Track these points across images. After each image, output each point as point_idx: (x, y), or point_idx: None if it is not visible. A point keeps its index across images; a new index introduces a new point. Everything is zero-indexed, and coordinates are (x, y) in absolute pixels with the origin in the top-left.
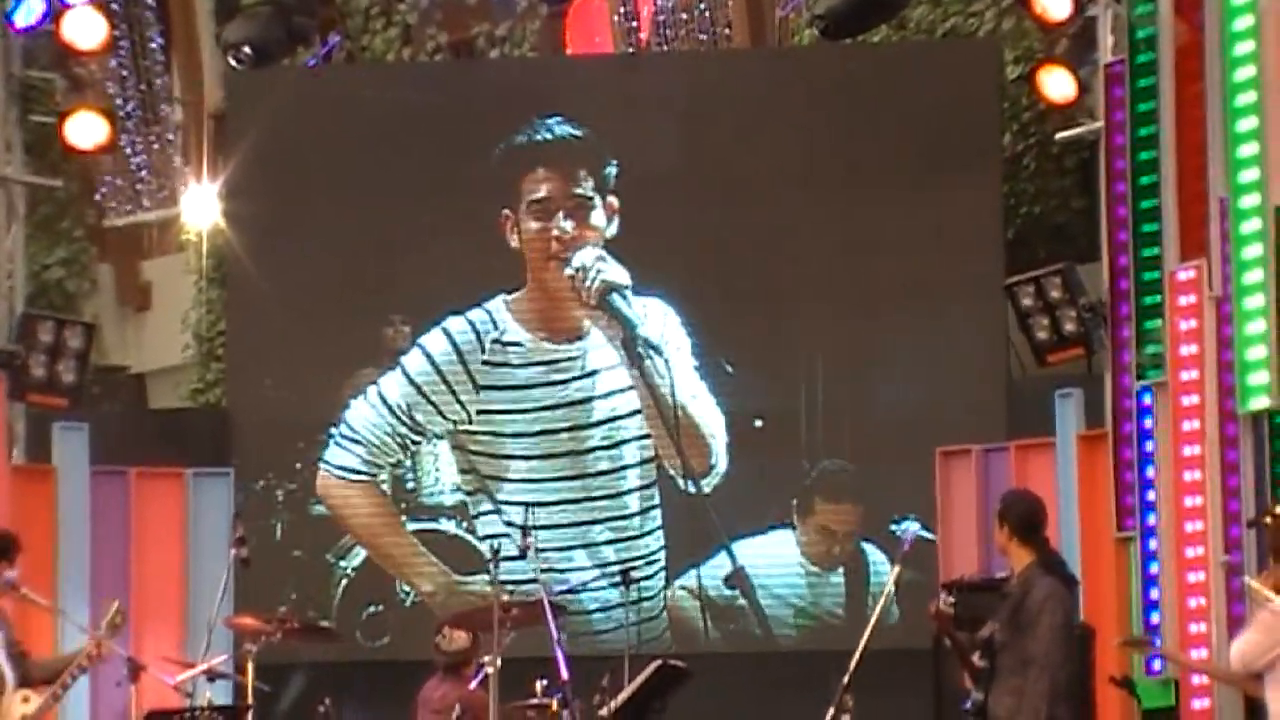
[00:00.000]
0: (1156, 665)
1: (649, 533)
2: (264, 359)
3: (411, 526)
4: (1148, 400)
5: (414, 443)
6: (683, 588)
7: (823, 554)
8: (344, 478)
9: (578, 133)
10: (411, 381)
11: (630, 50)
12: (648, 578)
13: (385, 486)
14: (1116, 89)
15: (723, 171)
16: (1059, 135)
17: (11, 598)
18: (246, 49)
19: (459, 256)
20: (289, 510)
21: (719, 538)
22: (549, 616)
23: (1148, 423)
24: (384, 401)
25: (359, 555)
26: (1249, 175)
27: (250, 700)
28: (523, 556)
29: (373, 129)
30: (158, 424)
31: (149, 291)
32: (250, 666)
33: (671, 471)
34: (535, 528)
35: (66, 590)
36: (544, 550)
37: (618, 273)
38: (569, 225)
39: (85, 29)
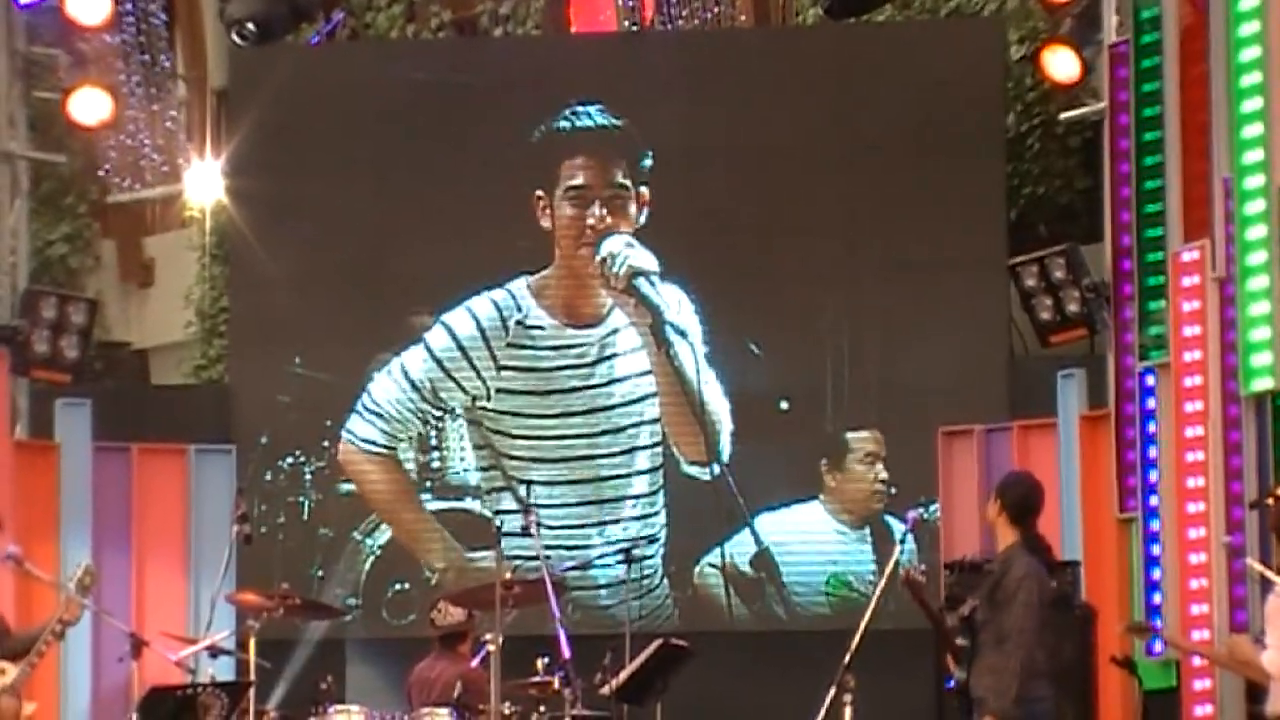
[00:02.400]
0: (1157, 646)
1: (654, 513)
2: (267, 337)
3: (437, 505)
4: (1150, 381)
5: (435, 418)
6: (711, 565)
7: (851, 505)
8: (365, 451)
9: (618, 122)
10: (434, 357)
11: (634, 28)
12: (648, 557)
13: (409, 464)
14: (1121, 69)
15: (726, 151)
16: (1063, 115)
17: (14, 572)
18: (250, 25)
19: (462, 234)
20: (316, 488)
21: (743, 517)
22: (550, 594)
23: (1150, 404)
24: (406, 376)
25: (385, 533)
26: (1253, 156)
27: (252, 676)
28: (526, 533)
29: (376, 106)
30: (160, 400)
31: (152, 268)
32: (252, 643)
33: (686, 454)
34: (545, 506)
35: (68, 565)
36: (555, 528)
37: (645, 258)
38: (603, 213)
39: (89, 5)
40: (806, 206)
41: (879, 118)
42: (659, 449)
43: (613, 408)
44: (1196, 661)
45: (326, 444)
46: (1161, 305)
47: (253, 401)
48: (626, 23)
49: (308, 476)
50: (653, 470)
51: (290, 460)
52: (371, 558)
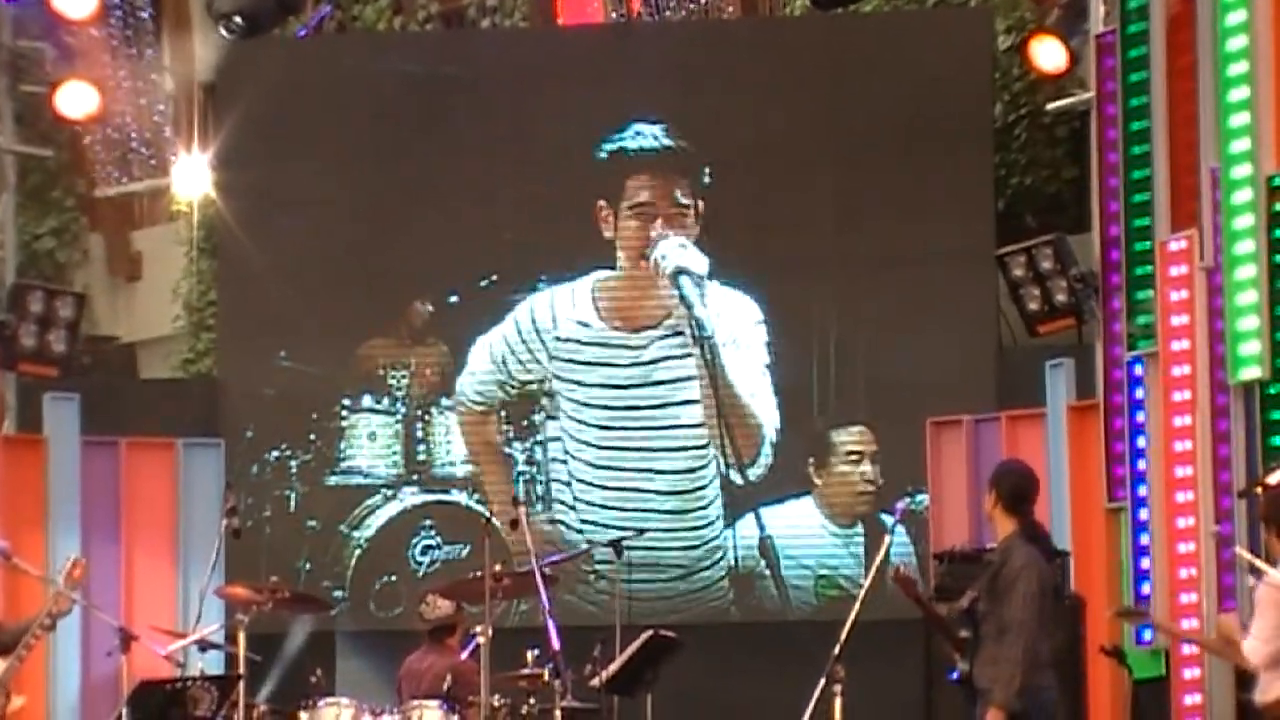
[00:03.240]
0: (1147, 635)
1: (710, 519)
2: (255, 330)
3: (423, 498)
4: (1138, 370)
5: (511, 390)
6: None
7: (841, 504)
8: (466, 408)
9: (683, 144)
10: (504, 337)
11: (622, 20)
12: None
13: (397, 457)
14: (1108, 59)
15: (712, 142)
16: (1050, 105)
17: (2, 566)
18: (237, 18)
19: (451, 226)
20: (303, 481)
21: (744, 506)
22: (541, 586)
23: (1138, 393)
24: (490, 350)
25: (372, 526)
26: (1240, 145)
27: (242, 670)
28: (514, 527)
29: (364, 99)
30: (148, 394)
31: (140, 262)
32: (242, 636)
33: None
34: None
35: (57, 560)
36: (595, 523)
37: (694, 259)
38: (664, 227)
39: None
40: (794, 197)
41: (866, 108)
42: (705, 452)
43: (654, 408)
44: (1186, 650)
45: (313, 437)
46: (1149, 295)
47: (241, 395)
48: (614, 14)
49: (294, 470)
50: (696, 469)
51: (276, 454)
52: (358, 551)
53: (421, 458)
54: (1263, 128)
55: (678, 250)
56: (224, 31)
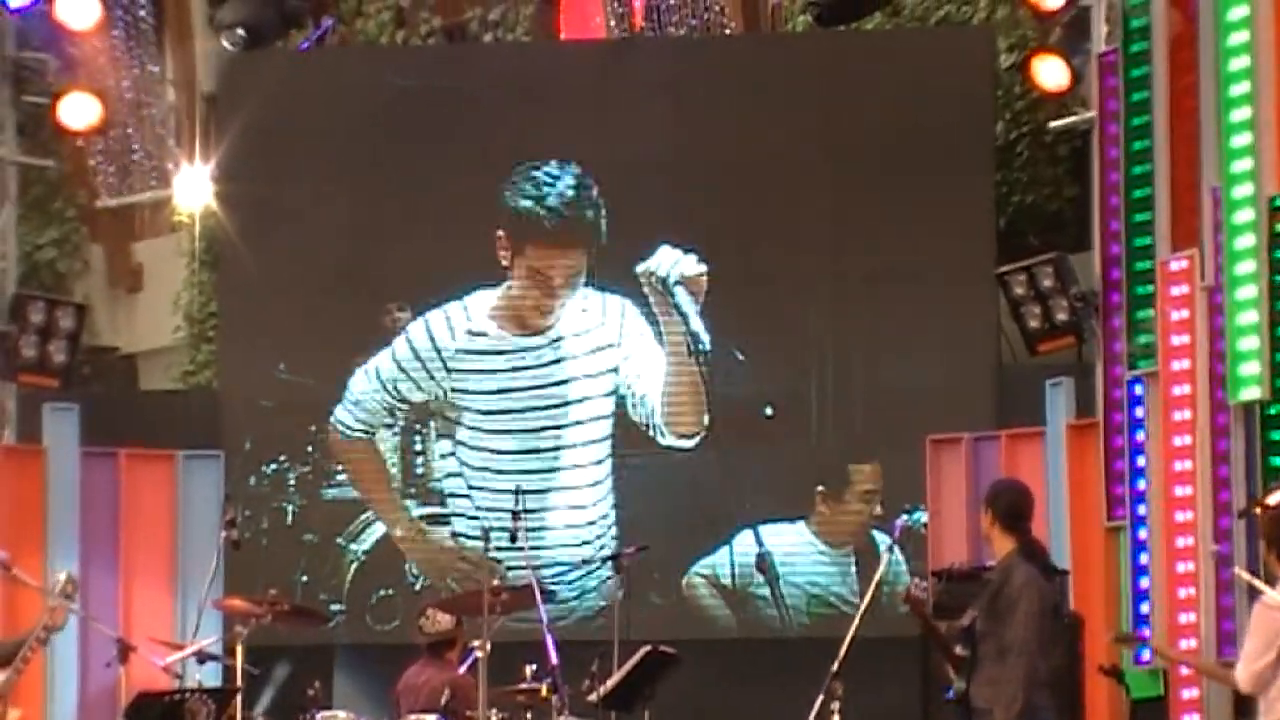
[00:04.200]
0: (1145, 655)
1: (603, 516)
2: (255, 342)
3: (421, 511)
4: (1139, 390)
5: (400, 411)
6: (699, 574)
7: (838, 532)
8: (345, 435)
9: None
10: (395, 359)
11: (623, 35)
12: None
13: (382, 447)
14: (1110, 78)
15: (713, 158)
16: (1052, 124)
17: (1, 577)
18: (240, 31)
19: (450, 240)
20: (301, 494)
21: (735, 524)
22: (538, 600)
23: (1138, 412)
24: (377, 375)
25: (370, 539)
26: (1242, 165)
27: (239, 683)
28: (513, 540)
29: (365, 112)
30: (148, 405)
31: (140, 273)
32: (240, 649)
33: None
34: (523, 511)
35: (56, 571)
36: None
37: (691, 267)
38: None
39: (78, 10)
40: (794, 213)
41: (867, 125)
42: (606, 444)
43: (560, 406)
44: (1184, 671)
45: (310, 449)
46: (1150, 314)
47: (241, 407)
48: (616, 29)
49: (291, 482)
50: (597, 464)
51: (274, 466)
52: (356, 564)
53: (419, 471)
54: (1264, 147)
55: (674, 260)
56: (226, 44)
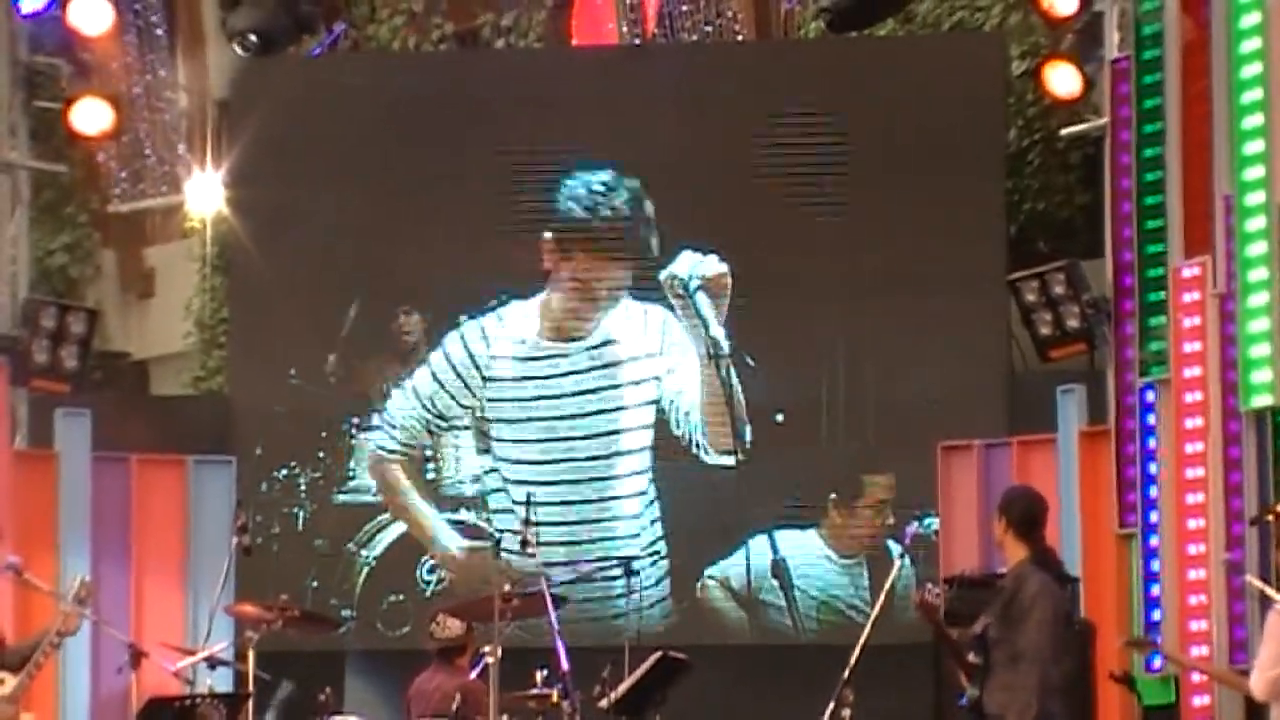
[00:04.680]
0: (1157, 662)
1: (651, 522)
2: (267, 347)
3: (449, 517)
4: (1150, 397)
5: (439, 428)
6: (711, 578)
7: (850, 540)
8: (384, 458)
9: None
10: (433, 375)
11: (635, 42)
12: (649, 568)
13: (420, 462)
14: (1122, 85)
15: (724, 165)
16: (1064, 131)
17: (14, 582)
18: (252, 36)
19: (462, 246)
20: (312, 499)
21: (749, 529)
22: (549, 607)
23: (1150, 419)
24: (415, 393)
25: (380, 545)
26: (1254, 172)
27: (250, 688)
28: (524, 547)
29: (377, 118)
30: (159, 411)
31: (152, 278)
32: (251, 654)
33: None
34: (538, 523)
35: (67, 576)
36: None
37: (714, 268)
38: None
39: (91, 15)
40: (805, 220)
41: (879, 132)
42: (648, 454)
43: (595, 414)
44: (1196, 677)
45: (322, 455)
46: (1162, 321)
47: (252, 412)
48: (628, 35)
49: (302, 487)
50: (639, 474)
51: (285, 471)
52: (366, 569)
53: (430, 476)
54: (1276, 154)
55: (696, 264)
56: (239, 49)
